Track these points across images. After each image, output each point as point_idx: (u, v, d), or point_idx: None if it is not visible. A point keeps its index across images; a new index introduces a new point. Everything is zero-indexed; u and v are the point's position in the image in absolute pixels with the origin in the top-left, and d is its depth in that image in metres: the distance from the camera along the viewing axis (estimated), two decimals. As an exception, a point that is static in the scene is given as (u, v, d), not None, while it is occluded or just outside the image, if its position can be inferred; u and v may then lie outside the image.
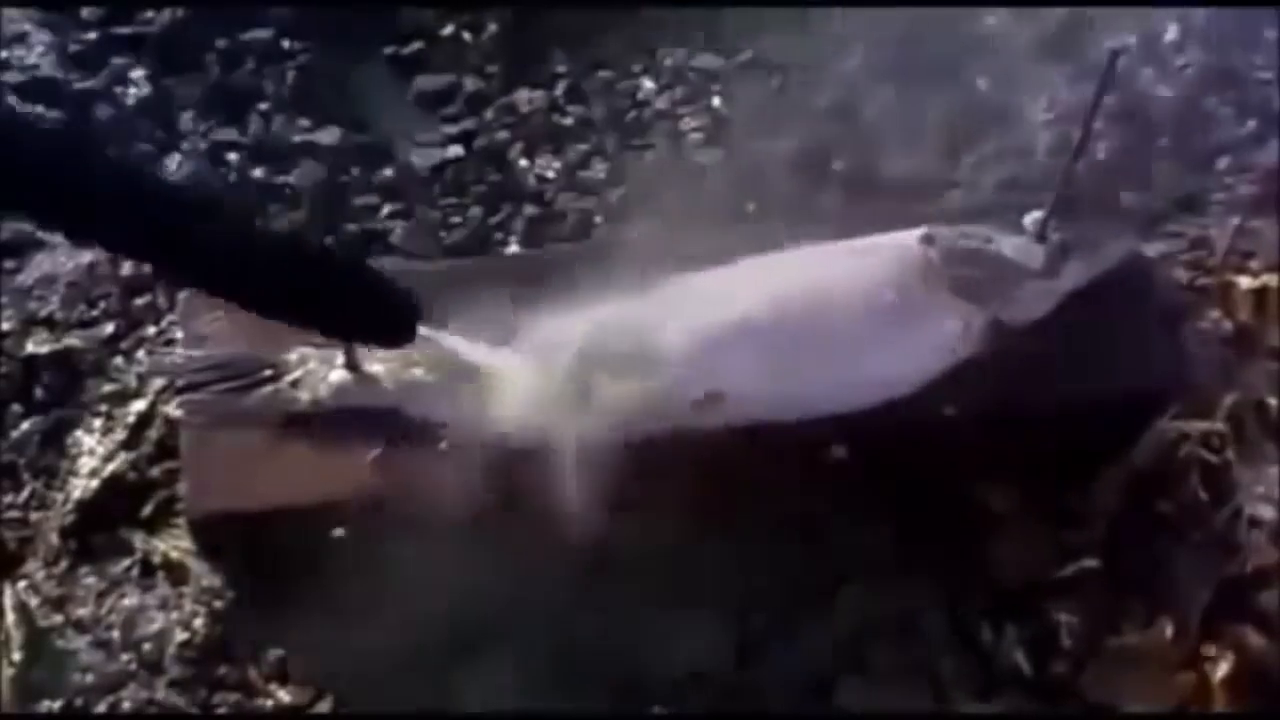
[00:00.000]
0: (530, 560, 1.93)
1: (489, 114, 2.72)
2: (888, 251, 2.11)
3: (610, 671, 2.00)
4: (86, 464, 2.20)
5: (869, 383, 1.99)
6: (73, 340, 2.35)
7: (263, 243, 1.83)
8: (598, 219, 2.53)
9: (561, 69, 2.78)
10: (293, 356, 2.02)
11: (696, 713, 1.99)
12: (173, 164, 2.60)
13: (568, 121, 2.71)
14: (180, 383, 2.08)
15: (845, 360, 2.00)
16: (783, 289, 2.06)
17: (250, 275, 1.77)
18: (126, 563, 2.11)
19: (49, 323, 2.38)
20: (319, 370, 2.00)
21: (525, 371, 2.00)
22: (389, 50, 2.81)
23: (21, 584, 2.09)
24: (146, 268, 2.42)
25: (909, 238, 2.11)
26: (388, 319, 1.88)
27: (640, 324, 2.01)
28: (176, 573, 2.08)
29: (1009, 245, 2.11)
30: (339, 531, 1.95)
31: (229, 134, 2.65)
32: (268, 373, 2.01)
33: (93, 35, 2.80)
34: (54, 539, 2.13)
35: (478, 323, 2.02)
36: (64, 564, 2.11)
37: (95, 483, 2.17)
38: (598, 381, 1.97)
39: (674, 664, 2.01)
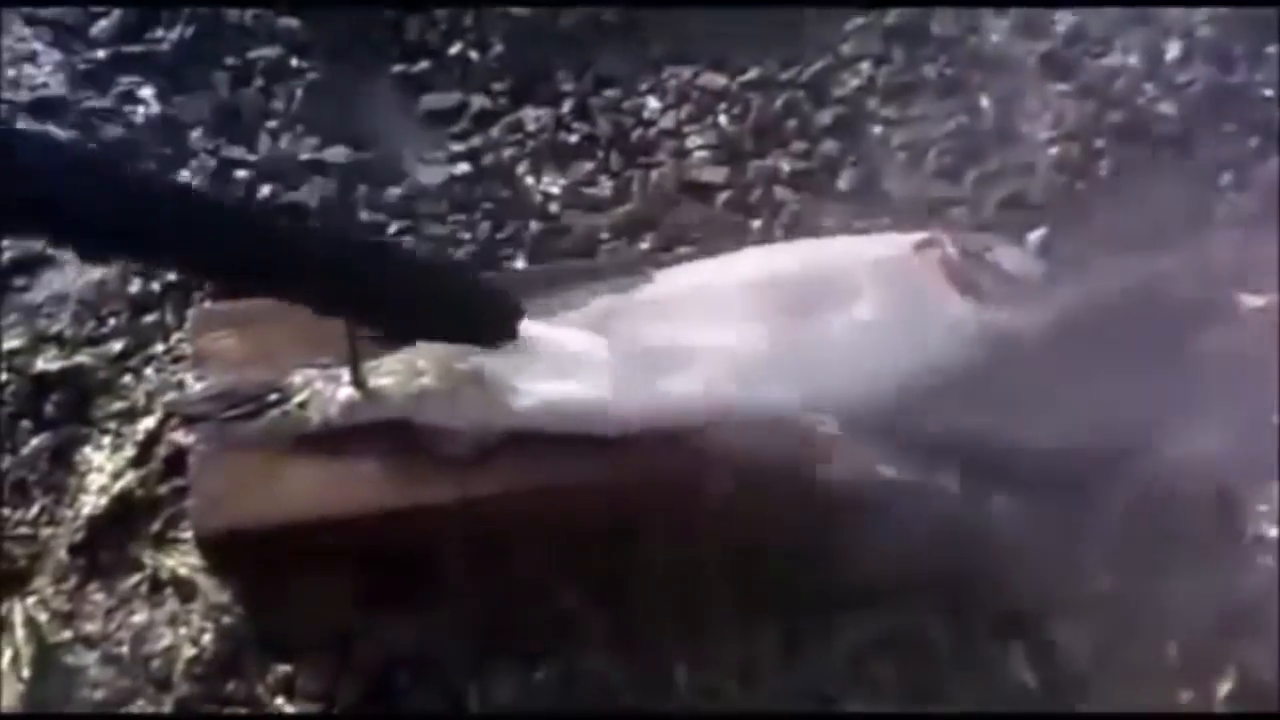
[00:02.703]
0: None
1: (495, 131, 2.73)
2: (886, 251, 2.12)
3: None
4: (95, 481, 2.20)
5: (860, 377, 2.01)
6: (82, 357, 2.36)
7: (372, 261, 1.88)
8: (603, 235, 2.54)
9: (567, 87, 2.79)
10: (298, 378, 2.03)
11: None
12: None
13: (573, 139, 2.72)
14: (188, 413, 2.09)
15: (838, 353, 2.02)
16: (778, 279, 2.08)
17: (359, 292, 1.83)
18: (135, 579, 2.11)
19: (58, 340, 2.39)
20: (326, 389, 2.01)
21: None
22: (397, 69, 2.82)
23: (31, 600, 2.09)
24: (154, 286, 2.44)
25: (909, 240, 2.12)
26: (492, 320, 1.93)
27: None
28: (185, 589, 2.09)
29: (1009, 258, 2.12)
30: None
31: (237, 152, 2.66)
32: (274, 396, 2.02)
33: (101, 54, 2.81)
34: (63, 555, 2.13)
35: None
36: (73, 580, 2.11)
37: (104, 499, 2.17)
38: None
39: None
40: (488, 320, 1.96)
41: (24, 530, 2.17)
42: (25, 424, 2.29)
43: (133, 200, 1.68)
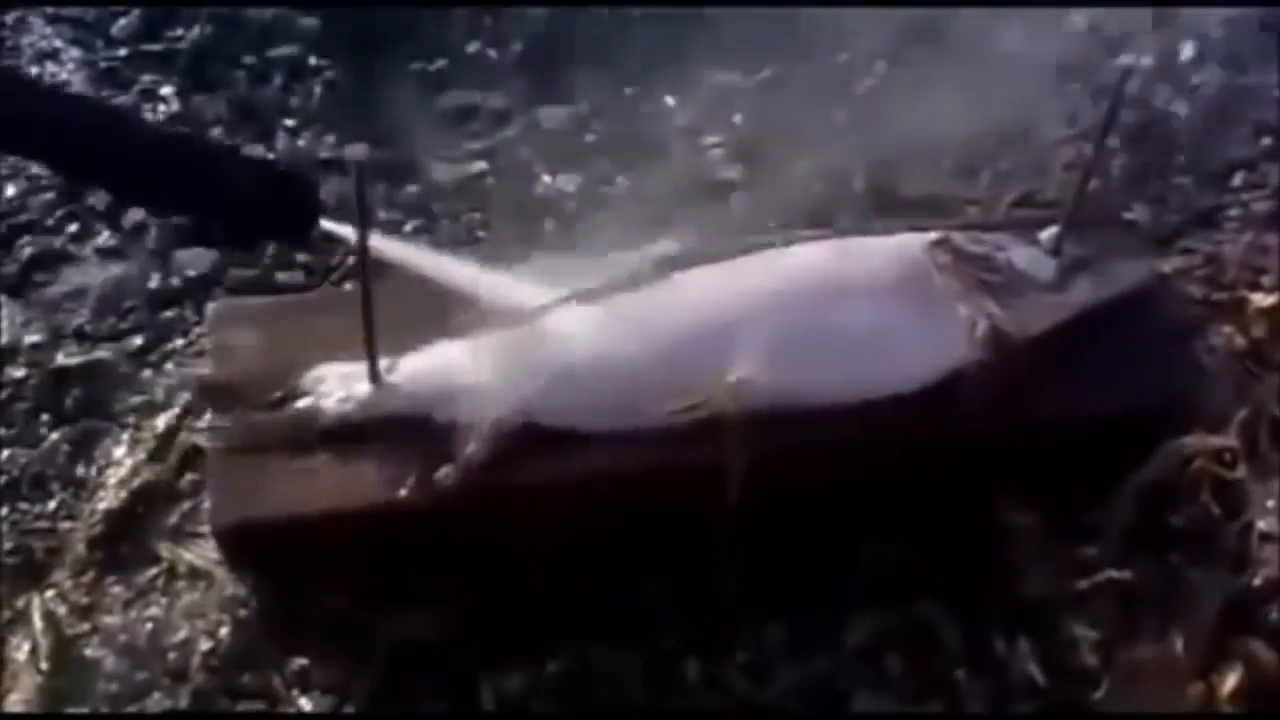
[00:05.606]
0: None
1: (513, 130, 2.75)
2: (898, 249, 2.13)
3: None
4: (114, 474, 2.22)
5: (875, 375, 2.02)
6: (102, 352, 2.38)
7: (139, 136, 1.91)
8: (620, 234, 2.53)
9: (584, 86, 2.80)
10: (315, 373, 2.04)
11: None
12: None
13: (590, 137, 2.73)
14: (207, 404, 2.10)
15: (851, 351, 2.03)
16: (794, 280, 2.09)
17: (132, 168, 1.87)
18: (153, 572, 2.13)
19: (78, 335, 2.42)
20: (343, 384, 2.02)
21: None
22: (415, 67, 2.84)
23: (49, 593, 2.11)
24: (174, 281, 2.46)
25: (921, 239, 2.13)
26: (280, 203, 1.96)
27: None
28: (202, 582, 2.10)
29: (1021, 256, 2.13)
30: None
31: (256, 149, 2.67)
32: (292, 391, 2.03)
33: (123, 52, 2.83)
34: (81, 549, 2.15)
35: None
36: (91, 573, 2.13)
37: (122, 493, 2.19)
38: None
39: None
40: (279, 207, 1.99)
41: (43, 524, 2.19)
42: (45, 418, 2.31)
43: None
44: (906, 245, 2.14)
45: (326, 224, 2.03)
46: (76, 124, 1.88)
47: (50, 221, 2.57)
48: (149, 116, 2.71)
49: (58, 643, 2.05)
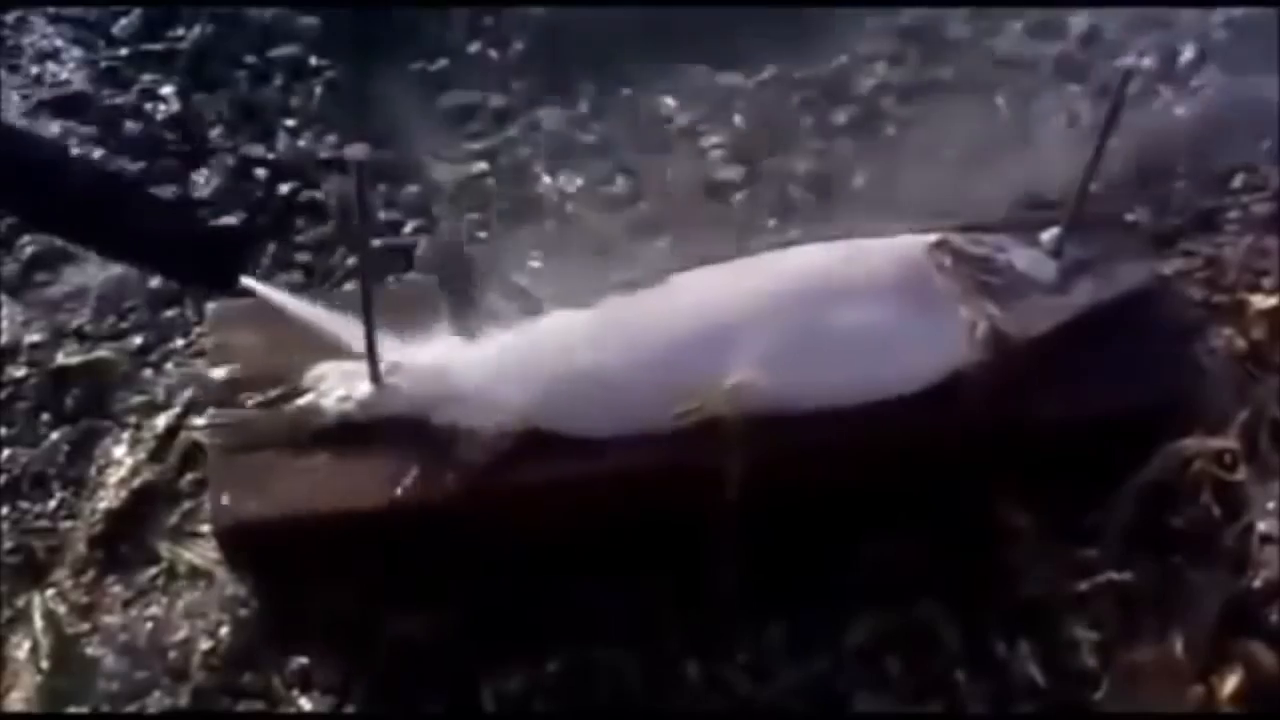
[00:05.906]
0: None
1: (513, 130, 2.75)
2: (899, 251, 2.13)
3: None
4: (114, 474, 2.23)
5: (875, 377, 2.02)
6: (103, 352, 2.38)
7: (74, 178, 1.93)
8: (619, 234, 2.54)
9: (585, 86, 2.80)
10: (316, 373, 2.04)
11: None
12: (201, 178, 2.62)
13: (590, 138, 2.73)
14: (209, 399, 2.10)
15: (852, 353, 2.03)
16: (794, 282, 2.09)
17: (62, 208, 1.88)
18: (153, 571, 2.13)
19: (79, 334, 2.42)
20: (343, 385, 2.02)
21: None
22: (416, 66, 2.84)
23: (50, 592, 2.12)
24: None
25: (921, 240, 2.13)
26: (198, 260, 1.98)
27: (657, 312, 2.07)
28: (202, 582, 2.11)
29: (1022, 258, 2.13)
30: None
31: (257, 149, 2.68)
32: (292, 390, 2.03)
33: (124, 51, 2.83)
34: (82, 548, 2.15)
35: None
36: (92, 573, 2.13)
37: (123, 493, 2.20)
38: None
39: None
40: (197, 264, 2.01)
41: (43, 523, 2.19)
42: (45, 417, 2.32)
43: None
44: (907, 246, 2.14)
45: (248, 281, 2.04)
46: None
47: (50, 221, 2.57)
48: (143, 119, 2.72)
49: (58, 642, 2.06)
